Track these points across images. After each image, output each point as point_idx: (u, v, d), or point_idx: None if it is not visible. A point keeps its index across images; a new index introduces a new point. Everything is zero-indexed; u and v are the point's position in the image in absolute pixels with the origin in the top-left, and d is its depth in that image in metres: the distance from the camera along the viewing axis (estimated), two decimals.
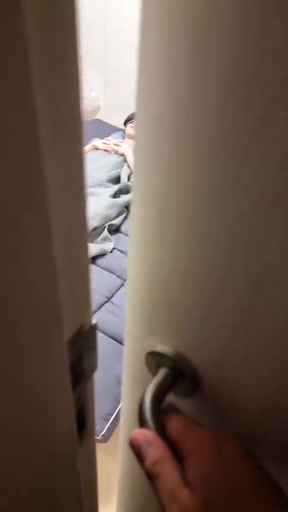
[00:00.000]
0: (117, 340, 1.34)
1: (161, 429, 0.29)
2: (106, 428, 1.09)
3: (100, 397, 1.15)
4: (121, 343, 1.33)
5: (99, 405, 1.13)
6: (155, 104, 0.24)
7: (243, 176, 0.22)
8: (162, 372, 0.33)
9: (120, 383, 1.12)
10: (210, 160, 0.23)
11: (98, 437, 1.07)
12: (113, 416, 1.12)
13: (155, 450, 0.27)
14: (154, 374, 0.34)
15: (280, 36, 0.18)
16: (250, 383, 0.30)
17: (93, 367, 0.36)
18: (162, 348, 0.34)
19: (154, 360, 0.35)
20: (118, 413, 1.14)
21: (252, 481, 0.25)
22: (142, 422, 0.30)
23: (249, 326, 0.27)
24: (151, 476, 0.27)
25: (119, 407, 1.15)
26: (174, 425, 0.30)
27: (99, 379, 1.18)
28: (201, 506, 0.24)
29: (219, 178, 0.23)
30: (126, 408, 0.49)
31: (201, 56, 0.20)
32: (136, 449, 0.28)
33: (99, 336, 1.38)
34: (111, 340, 1.34)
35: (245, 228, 0.23)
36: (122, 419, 0.51)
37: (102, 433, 1.08)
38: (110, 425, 1.10)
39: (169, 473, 0.26)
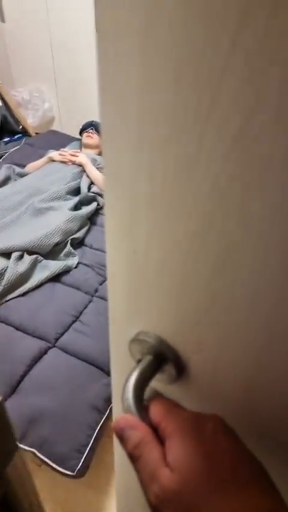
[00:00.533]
0: (88, 362, 1.26)
1: (144, 414, 0.30)
2: (81, 462, 1.01)
3: (71, 427, 1.07)
4: (93, 365, 1.26)
5: (71, 436, 1.05)
6: (117, 89, 0.24)
7: (201, 156, 0.23)
8: (145, 359, 0.34)
9: (94, 408, 1.05)
10: (171, 141, 0.24)
11: (73, 473, 0.99)
12: (88, 447, 1.04)
13: (137, 433, 0.28)
14: (138, 363, 0.34)
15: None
16: (229, 365, 0.31)
17: (12, 447, 0.29)
18: (144, 334, 0.35)
19: (137, 348, 0.36)
20: (94, 442, 1.06)
21: (231, 456, 0.25)
22: (126, 409, 0.30)
23: (221, 308, 0.28)
24: (133, 459, 0.27)
25: (94, 435, 1.07)
26: (156, 408, 0.30)
27: (69, 406, 1.11)
28: (180, 484, 0.24)
29: (180, 160, 0.24)
30: (116, 401, 0.49)
31: (151, 38, 0.21)
32: (119, 434, 0.29)
33: (68, 358, 1.31)
34: (82, 362, 1.26)
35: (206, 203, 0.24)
36: (114, 413, 0.51)
37: (78, 467, 1.00)
38: (85, 457, 1.02)
39: (150, 454, 0.26)
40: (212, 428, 0.27)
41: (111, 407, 1.16)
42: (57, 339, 1.34)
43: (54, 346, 1.32)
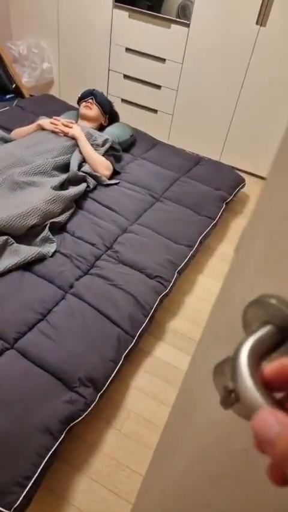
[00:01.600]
0: (49, 372, 1.09)
1: (264, 390, 0.24)
2: (21, 498, 0.85)
3: (16, 452, 0.90)
4: (54, 376, 1.08)
5: (13, 465, 0.88)
6: None
7: None
8: (266, 328, 0.27)
9: (47, 430, 0.87)
10: None
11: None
12: (32, 481, 0.88)
13: None
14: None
15: None
16: None
17: None
18: (272, 298, 0.27)
19: (258, 313, 0.28)
20: (40, 474, 0.89)
21: None
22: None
23: None
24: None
25: (42, 464, 0.90)
26: None
27: (17, 425, 0.93)
28: None
29: None
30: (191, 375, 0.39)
31: None
32: (263, 434, 0.22)
33: (26, 365, 1.13)
34: (42, 371, 1.08)
35: None
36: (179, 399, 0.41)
37: (16, 505, 0.84)
38: (27, 493, 0.86)
39: None
40: None
41: (66, 430, 0.99)
42: (16, 340, 1.16)
43: (12, 348, 1.14)
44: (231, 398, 0.25)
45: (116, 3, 2.46)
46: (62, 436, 0.98)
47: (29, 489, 0.87)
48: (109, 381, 1.14)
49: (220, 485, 0.30)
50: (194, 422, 0.35)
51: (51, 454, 0.94)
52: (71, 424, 1.01)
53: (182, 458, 0.36)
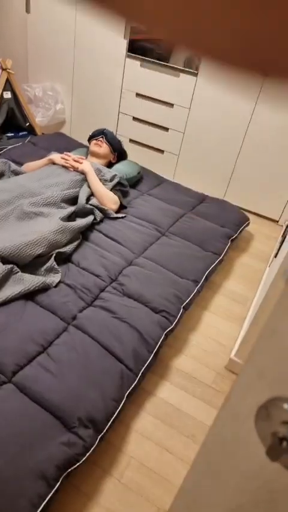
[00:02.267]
0: (47, 409, 1.01)
1: None
2: None
3: (6, 500, 0.81)
4: (53, 415, 1.00)
5: None
6: None
7: None
8: None
9: (42, 476, 0.79)
10: None
11: None
12: None
13: None
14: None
15: None
16: None
17: None
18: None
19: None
20: None
21: None
22: None
23: None
24: None
25: None
26: None
27: (10, 469, 0.84)
28: None
29: None
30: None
31: None
32: None
33: (23, 401, 1.05)
34: (39, 408, 1.01)
35: None
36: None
37: None
38: None
39: None
40: None
41: (63, 478, 0.90)
42: (15, 373, 1.09)
43: (9, 382, 1.07)
44: (282, 447, 0.21)
45: (129, 53, 2.62)
46: (58, 484, 0.89)
47: None
48: (110, 421, 1.06)
49: None
50: (223, 480, 0.29)
51: (45, 503, 0.84)
52: (68, 470, 0.92)
53: None
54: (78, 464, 0.94)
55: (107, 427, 1.04)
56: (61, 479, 0.89)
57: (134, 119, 2.82)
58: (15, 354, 1.12)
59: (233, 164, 2.59)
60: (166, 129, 2.74)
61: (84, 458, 0.96)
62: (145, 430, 1.22)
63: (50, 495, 0.86)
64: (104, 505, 1.02)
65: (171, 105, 2.64)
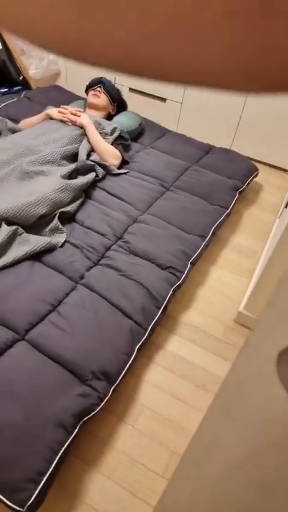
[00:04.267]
0: (61, 364, 1.05)
1: None
2: (35, 495, 0.81)
3: (28, 448, 0.86)
4: (67, 369, 1.04)
5: (26, 461, 0.84)
6: None
7: None
8: None
9: (60, 425, 0.83)
10: None
11: (22, 510, 0.79)
12: (46, 477, 0.84)
13: None
14: None
15: None
16: None
17: None
18: None
19: None
20: (54, 469, 0.86)
21: None
22: None
23: None
24: None
25: (55, 460, 0.87)
26: None
27: (29, 420, 0.89)
28: None
29: None
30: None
31: None
32: None
33: (37, 357, 1.09)
34: (54, 364, 1.04)
35: None
36: None
37: (29, 502, 0.80)
38: (41, 489, 0.82)
39: None
40: None
41: (80, 425, 0.95)
42: (27, 331, 1.12)
43: (23, 339, 1.10)
44: None
45: None
46: (76, 430, 0.94)
47: (42, 486, 0.83)
48: (122, 374, 1.10)
49: (273, 493, 0.26)
50: (240, 422, 0.30)
51: (64, 449, 0.90)
52: (85, 419, 0.97)
53: (222, 464, 0.31)
54: (93, 413, 0.99)
55: (119, 379, 1.08)
56: (78, 426, 0.94)
57: None
58: (26, 313, 1.14)
59: (240, 111, 2.46)
60: None
61: (99, 408, 1.00)
62: (156, 380, 1.26)
63: (68, 441, 0.91)
64: (120, 449, 1.08)
65: None
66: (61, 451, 0.89)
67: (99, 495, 0.98)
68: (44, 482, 0.83)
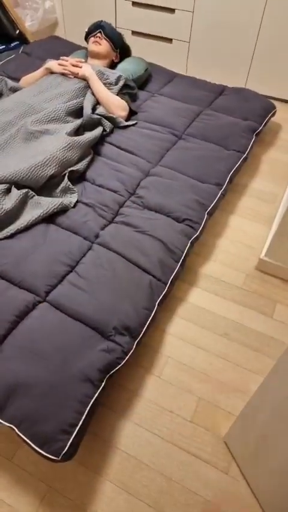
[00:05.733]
0: (83, 322, 1.06)
1: None
2: (68, 445, 0.85)
3: (59, 402, 0.89)
4: (89, 326, 1.06)
5: (58, 414, 0.88)
6: None
7: None
8: None
9: (87, 379, 0.86)
10: None
11: (57, 458, 0.84)
12: (78, 427, 0.88)
13: None
14: None
15: None
16: None
17: None
18: None
19: None
20: (85, 421, 0.89)
21: None
22: None
23: None
24: None
25: (85, 412, 0.90)
26: None
27: (57, 376, 0.92)
28: None
29: None
30: None
31: None
32: None
33: (60, 317, 1.11)
34: (76, 322, 1.06)
35: None
36: None
37: (64, 451, 0.84)
38: (73, 439, 0.86)
39: None
40: None
41: (106, 379, 0.98)
42: (48, 292, 1.13)
43: (44, 301, 1.12)
44: None
45: None
46: (103, 384, 0.96)
47: (75, 436, 0.87)
48: (144, 328, 1.10)
49: None
50: None
51: (93, 401, 0.93)
52: (111, 373, 0.99)
53: None
54: (119, 366, 1.01)
55: (142, 333, 1.09)
56: (105, 380, 0.97)
57: (134, 4, 2.43)
58: (45, 275, 1.15)
59: (253, 43, 2.25)
60: (172, 10, 2.35)
61: (123, 362, 1.02)
62: (179, 332, 1.27)
63: (96, 394, 0.94)
64: (148, 398, 1.12)
65: None
66: (90, 404, 0.92)
67: (131, 441, 1.03)
68: (76, 433, 0.87)
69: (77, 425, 0.88)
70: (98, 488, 0.96)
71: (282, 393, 0.73)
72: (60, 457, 0.84)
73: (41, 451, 0.85)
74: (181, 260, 1.28)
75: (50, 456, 0.84)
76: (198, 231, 1.38)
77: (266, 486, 0.90)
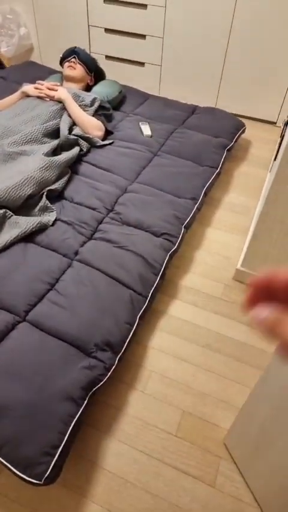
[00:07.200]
0: (64, 340, 1.06)
1: None
2: (51, 467, 0.83)
3: (40, 423, 0.88)
4: (70, 344, 1.05)
5: (39, 435, 0.86)
6: None
7: None
8: None
9: (69, 398, 0.84)
10: None
11: (39, 482, 0.82)
12: (60, 449, 0.86)
13: None
14: None
15: None
16: None
17: None
18: None
19: None
20: (68, 441, 0.88)
21: None
22: None
23: None
24: None
25: (68, 432, 0.89)
26: None
27: (38, 397, 0.91)
28: None
29: None
30: None
31: None
32: None
33: (40, 336, 1.09)
34: (56, 340, 1.05)
35: None
36: None
37: (46, 474, 0.82)
38: (56, 461, 0.84)
39: None
40: None
41: (89, 396, 0.97)
42: (27, 312, 1.12)
43: (24, 320, 1.10)
44: None
45: None
46: (85, 402, 0.95)
47: (57, 458, 0.85)
48: (126, 343, 1.10)
49: None
50: None
51: (76, 421, 0.91)
52: (93, 390, 0.98)
53: None
54: (101, 383, 1.00)
55: (123, 348, 1.09)
56: (87, 398, 0.96)
57: (107, 30, 2.53)
58: (25, 294, 1.14)
59: (221, 65, 2.36)
60: (143, 36, 2.46)
61: (106, 378, 1.02)
62: (161, 345, 1.28)
63: (78, 413, 0.93)
64: (132, 414, 1.11)
65: (145, 6, 2.34)
66: (72, 423, 0.91)
67: (115, 460, 1.01)
68: (59, 454, 0.86)
69: (59, 446, 0.86)
70: (84, 511, 0.93)
71: (282, 388, 0.74)
72: (42, 481, 0.81)
73: (23, 475, 0.82)
74: (160, 273, 1.30)
75: (32, 480, 0.82)
76: (176, 244, 1.40)
77: (265, 487, 0.90)
